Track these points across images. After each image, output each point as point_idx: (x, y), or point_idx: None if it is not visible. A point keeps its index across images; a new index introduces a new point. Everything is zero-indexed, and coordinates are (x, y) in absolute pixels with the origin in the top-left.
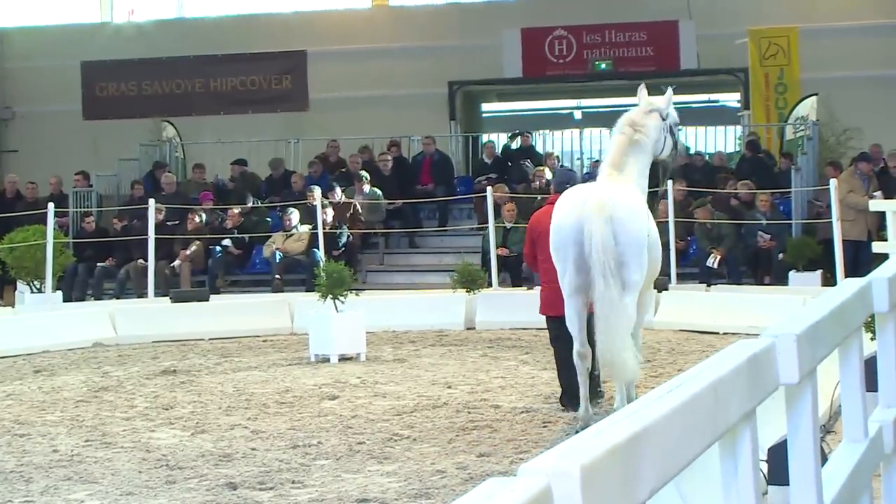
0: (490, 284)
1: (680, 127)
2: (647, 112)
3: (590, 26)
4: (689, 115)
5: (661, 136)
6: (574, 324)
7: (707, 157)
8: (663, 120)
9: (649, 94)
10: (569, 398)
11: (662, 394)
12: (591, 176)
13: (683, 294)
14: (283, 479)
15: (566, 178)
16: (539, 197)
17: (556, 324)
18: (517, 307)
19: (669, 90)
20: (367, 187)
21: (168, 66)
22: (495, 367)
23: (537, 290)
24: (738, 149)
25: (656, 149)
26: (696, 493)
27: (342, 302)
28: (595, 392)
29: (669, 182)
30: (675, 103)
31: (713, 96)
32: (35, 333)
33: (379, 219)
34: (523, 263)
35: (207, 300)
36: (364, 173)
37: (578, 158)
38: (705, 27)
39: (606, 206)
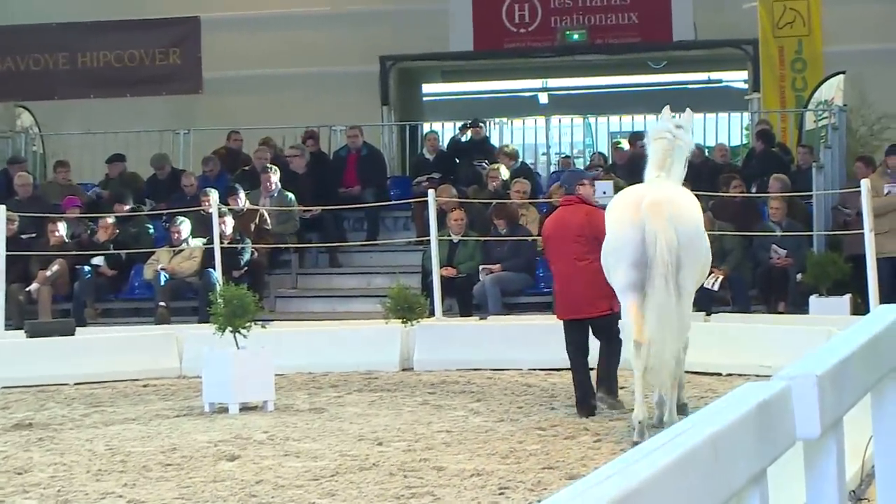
0: (432, 314)
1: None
2: (677, 127)
3: None
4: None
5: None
6: (627, 313)
7: (706, 152)
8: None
9: (634, 73)
10: (582, 406)
11: (650, 450)
12: (558, 176)
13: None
14: None
15: (577, 178)
16: (494, 202)
17: (569, 328)
18: (466, 343)
19: (689, 112)
20: (275, 187)
21: (23, 36)
22: (438, 419)
23: (492, 319)
24: (745, 141)
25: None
26: None
27: (244, 336)
28: (590, 404)
29: None
30: (665, 83)
31: (714, 75)
32: None
33: (291, 230)
34: (474, 286)
35: (73, 334)
36: (274, 167)
37: (544, 153)
38: None
39: (667, 207)
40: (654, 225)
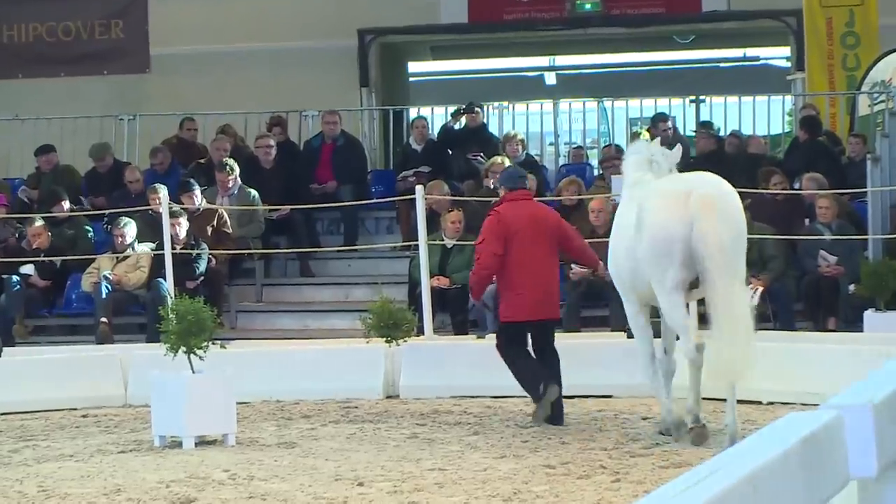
0: (421, 331)
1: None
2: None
3: None
4: (717, 80)
5: None
6: (685, 315)
7: (742, 141)
8: None
9: (657, 50)
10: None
11: (682, 489)
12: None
13: (709, 345)
14: None
15: (518, 174)
16: (493, 201)
17: (523, 330)
18: (461, 365)
19: (678, 149)
20: (235, 184)
21: None
22: (429, 455)
23: (490, 338)
24: (787, 129)
25: None
26: None
27: (200, 358)
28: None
29: None
30: (693, 61)
31: (751, 52)
32: None
33: (255, 233)
34: (470, 301)
35: None
36: (232, 164)
37: (552, 143)
38: None
39: (718, 202)
40: (707, 224)
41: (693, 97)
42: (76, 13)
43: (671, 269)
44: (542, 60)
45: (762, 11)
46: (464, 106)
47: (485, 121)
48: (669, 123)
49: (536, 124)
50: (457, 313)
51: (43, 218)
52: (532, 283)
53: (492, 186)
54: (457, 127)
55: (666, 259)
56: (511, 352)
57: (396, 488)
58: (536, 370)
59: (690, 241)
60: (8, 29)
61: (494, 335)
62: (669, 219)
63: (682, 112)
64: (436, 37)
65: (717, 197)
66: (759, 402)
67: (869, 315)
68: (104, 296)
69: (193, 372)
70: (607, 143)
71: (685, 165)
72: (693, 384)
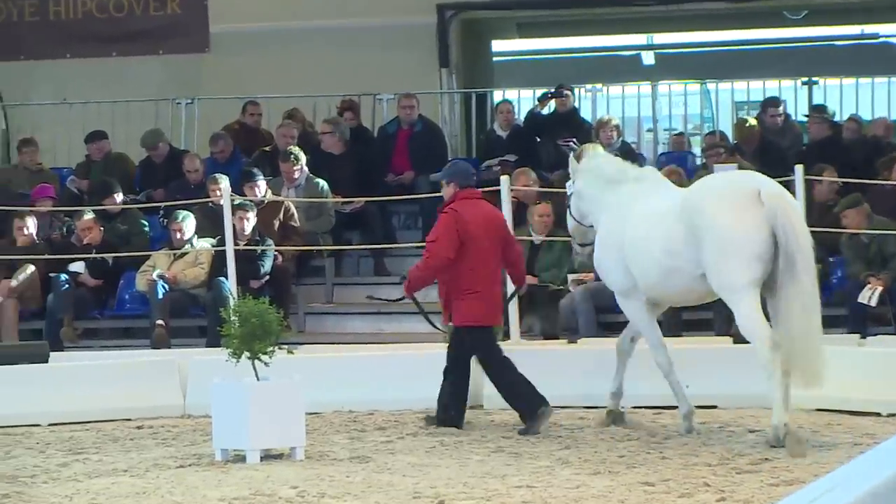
0: (507, 336)
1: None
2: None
3: None
4: (831, 60)
5: None
6: (760, 316)
7: (861, 127)
8: None
9: (765, 26)
10: (445, 422)
11: None
12: (668, 158)
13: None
14: None
15: (470, 170)
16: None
17: (484, 335)
18: (551, 372)
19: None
20: (303, 174)
21: None
22: (516, 471)
23: (583, 343)
24: None
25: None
26: None
27: (266, 364)
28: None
29: (798, 169)
30: (805, 39)
31: (869, 28)
32: None
33: (325, 228)
34: (561, 301)
35: (46, 361)
36: (297, 153)
37: (650, 129)
38: None
39: (789, 197)
40: (788, 216)
41: (805, 79)
42: None
43: (742, 265)
44: (639, 38)
45: None
46: (552, 89)
47: (576, 105)
48: (781, 109)
49: (633, 108)
50: (546, 316)
51: (93, 211)
52: (489, 286)
53: None
54: (544, 112)
55: (733, 255)
56: (495, 360)
57: None
58: (526, 379)
59: (766, 239)
60: (55, 4)
61: (452, 341)
62: (744, 217)
63: (792, 95)
64: (522, 12)
65: (787, 194)
66: (878, 414)
67: None
68: (160, 296)
69: (258, 379)
70: (711, 130)
71: (796, 154)
72: (777, 387)
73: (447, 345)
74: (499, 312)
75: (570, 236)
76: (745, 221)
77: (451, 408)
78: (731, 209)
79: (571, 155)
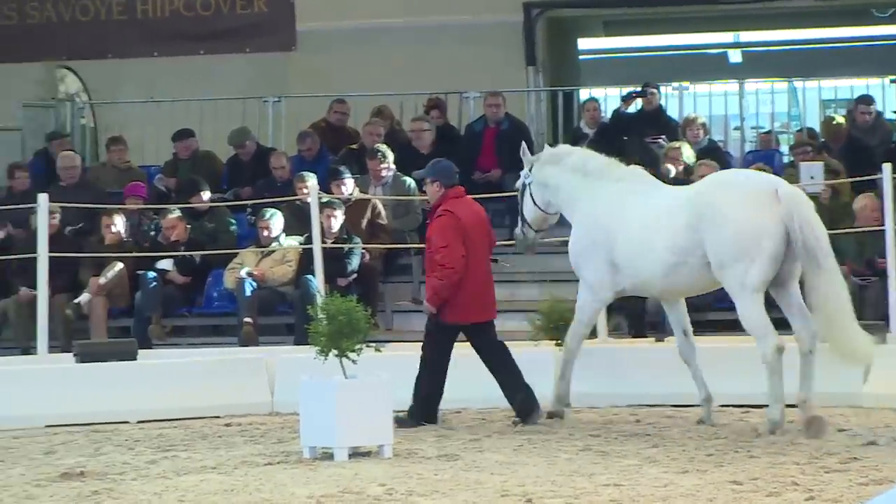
0: (594, 334)
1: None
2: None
3: None
4: None
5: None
6: (765, 314)
7: None
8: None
9: (854, 24)
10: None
11: None
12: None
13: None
14: None
15: (454, 168)
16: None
17: (481, 330)
18: (638, 371)
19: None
20: (390, 172)
21: None
22: (604, 469)
23: (670, 341)
24: None
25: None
26: None
27: (354, 362)
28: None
29: (886, 167)
30: (893, 36)
31: None
32: None
33: (412, 226)
34: (648, 299)
35: (135, 358)
36: (384, 150)
37: (737, 127)
38: None
39: (803, 195)
40: (804, 212)
41: (893, 77)
42: None
43: (757, 265)
44: (726, 36)
45: None
46: (636, 89)
47: (662, 103)
48: (872, 107)
49: (720, 106)
50: (633, 314)
51: (181, 209)
52: (484, 283)
53: (671, 174)
54: (629, 111)
55: (748, 254)
56: (442, 357)
57: None
58: (440, 395)
59: (782, 237)
60: (142, 3)
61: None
62: (761, 215)
63: (879, 93)
64: (609, 10)
65: (801, 193)
66: None
67: None
68: (248, 294)
69: (346, 377)
70: (799, 128)
71: (885, 153)
72: (773, 384)
73: (426, 341)
74: (492, 308)
75: None
76: (762, 219)
77: (425, 408)
78: (748, 208)
79: (524, 146)
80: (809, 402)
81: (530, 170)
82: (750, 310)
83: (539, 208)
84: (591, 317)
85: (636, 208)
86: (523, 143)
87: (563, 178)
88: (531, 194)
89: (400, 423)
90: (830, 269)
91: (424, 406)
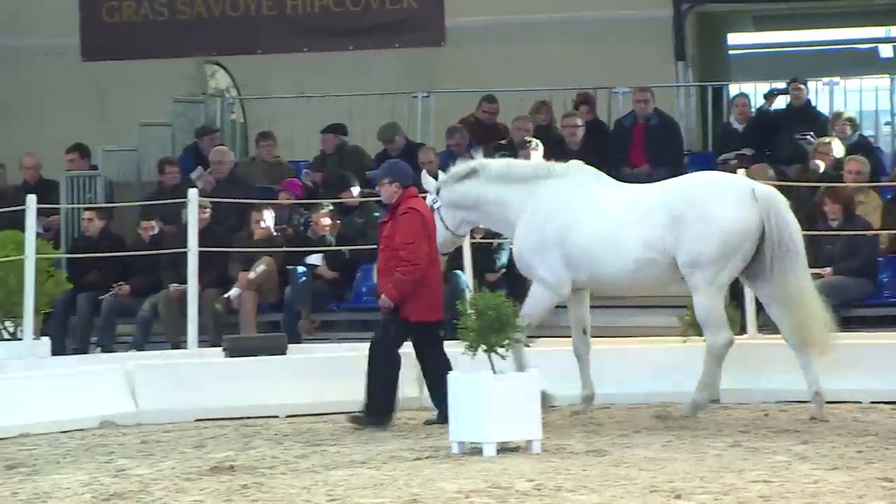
0: (744, 330)
1: None
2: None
3: None
4: None
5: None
6: (723, 309)
7: None
8: None
9: None
10: (376, 421)
11: None
12: None
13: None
14: None
15: (410, 170)
16: (822, 187)
17: (421, 329)
18: (788, 367)
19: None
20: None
21: None
22: (753, 465)
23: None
24: None
25: None
26: None
27: (502, 357)
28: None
29: None
30: None
31: None
32: (8, 406)
33: None
34: None
35: (284, 353)
36: (535, 141)
37: (888, 123)
38: None
39: (780, 195)
40: (780, 211)
41: None
42: None
43: (733, 264)
44: (878, 31)
45: None
46: (778, 86)
47: (811, 98)
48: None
49: (870, 102)
50: None
51: (331, 204)
52: (438, 282)
53: (821, 170)
54: (772, 108)
55: (731, 253)
56: (392, 357)
57: (717, 501)
58: (395, 392)
59: (756, 236)
60: (291, 0)
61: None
62: (743, 215)
63: None
64: (759, 5)
65: (778, 193)
66: None
67: None
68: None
69: (495, 373)
70: None
71: None
72: (707, 374)
73: (378, 336)
74: (441, 308)
75: (808, 229)
76: (745, 219)
77: (381, 408)
78: (734, 207)
79: (424, 172)
80: (821, 394)
81: (437, 193)
82: (713, 305)
83: (450, 231)
84: (542, 315)
85: (591, 202)
86: (424, 170)
87: (484, 189)
88: (441, 218)
89: (357, 421)
90: (802, 266)
91: (379, 404)
